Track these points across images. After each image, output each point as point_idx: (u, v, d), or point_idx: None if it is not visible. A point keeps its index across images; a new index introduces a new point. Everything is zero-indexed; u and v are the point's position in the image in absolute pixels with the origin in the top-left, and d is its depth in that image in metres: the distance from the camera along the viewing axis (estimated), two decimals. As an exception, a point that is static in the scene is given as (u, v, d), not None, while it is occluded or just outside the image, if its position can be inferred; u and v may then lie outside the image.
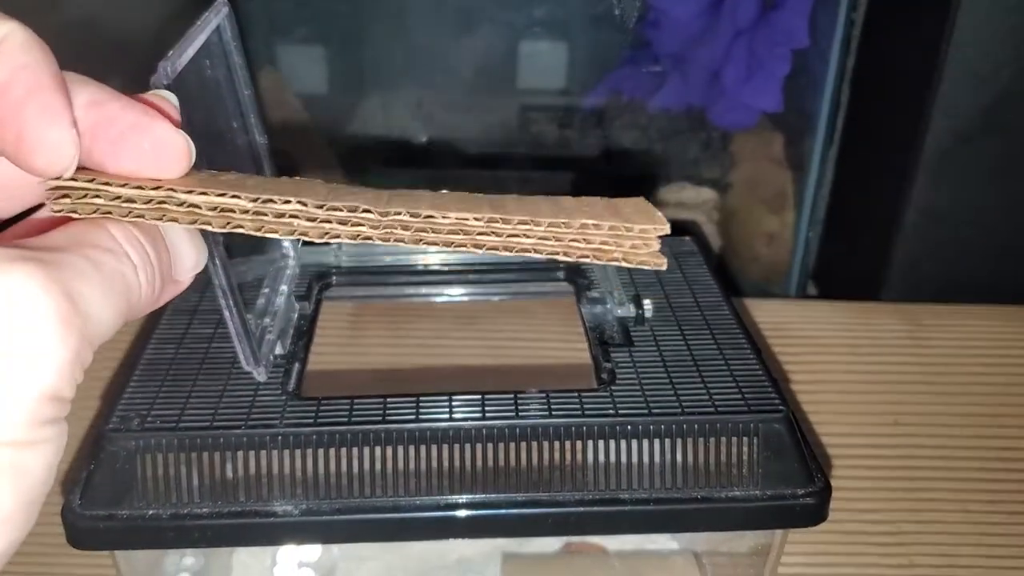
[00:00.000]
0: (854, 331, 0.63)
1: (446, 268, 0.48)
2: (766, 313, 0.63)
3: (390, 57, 0.84)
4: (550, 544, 0.48)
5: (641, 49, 0.80)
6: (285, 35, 0.80)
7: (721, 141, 0.83)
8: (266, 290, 0.40)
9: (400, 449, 0.34)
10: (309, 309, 0.42)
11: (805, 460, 0.35)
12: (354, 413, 0.35)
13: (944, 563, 0.49)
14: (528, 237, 0.20)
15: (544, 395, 0.36)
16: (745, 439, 0.34)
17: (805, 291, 0.83)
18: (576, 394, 0.36)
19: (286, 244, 0.44)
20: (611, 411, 0.35)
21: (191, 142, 0.21)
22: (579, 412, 0.35)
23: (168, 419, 0.34)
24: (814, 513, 0.35)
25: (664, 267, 0.20)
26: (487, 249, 0.20)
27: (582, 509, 0.34)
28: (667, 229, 0.20)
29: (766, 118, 0.82)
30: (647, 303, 0.41)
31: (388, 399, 0.36)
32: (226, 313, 0.33)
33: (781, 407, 0.35)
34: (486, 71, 0.85)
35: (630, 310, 0.41)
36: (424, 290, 0.48)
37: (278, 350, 0.38)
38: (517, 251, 0.20)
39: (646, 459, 0.34)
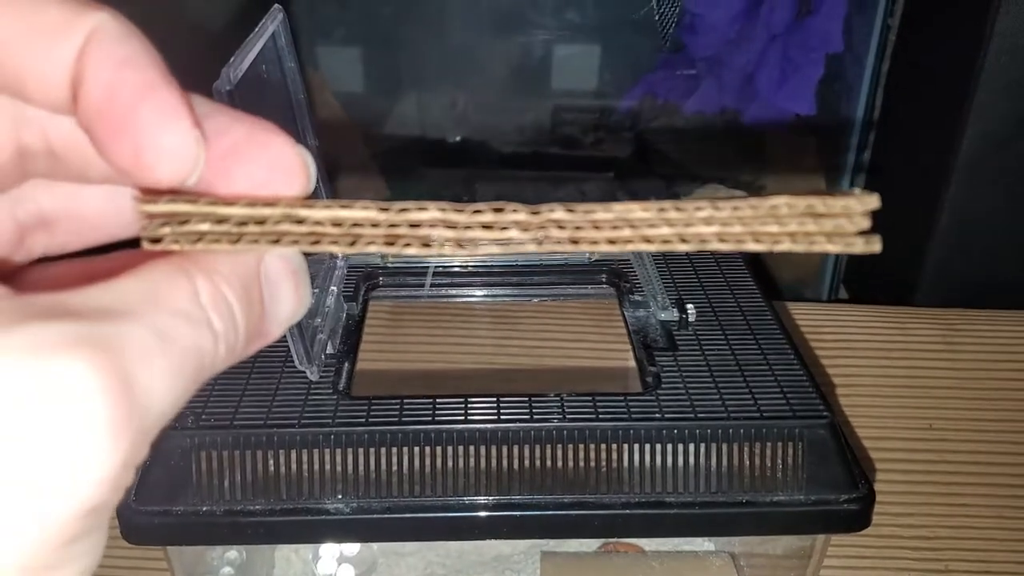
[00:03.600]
0: (888, 336, 0.63)
1: (488, 269, 0.48)
2: (799, 316, 0.64)
3: (426, 59, 0.84)
4: (589, 543, 0.49)
5: (676, 53, 0.81)
6: (326, 37, 0.81)
7: (755, 144, 0.83)
8: (316, 290, 0.41)
9: (449, 449, 0.35)
10: (357, 309, 0.43)
11: (849, 466, 0.35)
12: (404, 413, 0.35)
13: (979, 569, 0.49)
14: (708, 225, 0.17)
15: (591, 398, 0.36)
16: (790, 444, 0.35)
17: (836, 295, 0.83)
18: (622, 398, 0.36)
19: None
20: (657, 415, 0.35)
21: (312, 159, 0.18)
22: (625, 415, 0.35)
23: (222, 417, 0.35)
24: (857, 519, 0.35)
25: (877, 249, 0.16)
26: (658, 243, 0.17)
27: (627, 512, 0.34)
28: (876, 202, 0.17)
29: (799, 121, 0.82)
30: (690, 307, 0.41)
31: (437, 399, 0.36)
32: (281, 314, 0.34)
33: (826, 413, 0.36)
34: (520, 72, 0.86)
35: (673, 314, 0.41)
36: (467, 291, 0.48)
37: (329, 349, 0.39)
38: (696, 243, 0.17)
39: (691, 463, 0.35)
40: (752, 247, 0.17)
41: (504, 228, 0.17)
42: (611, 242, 0.17)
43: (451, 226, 0.17)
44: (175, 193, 0.17)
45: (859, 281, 0.82)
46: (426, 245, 0.17)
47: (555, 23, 0.83)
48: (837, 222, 0.17)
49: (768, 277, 0.81)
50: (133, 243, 0.18)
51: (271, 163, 0.17)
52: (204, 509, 0.34)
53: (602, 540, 0.49)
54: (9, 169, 0.18)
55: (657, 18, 0.72)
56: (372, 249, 0.17)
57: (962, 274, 0.72)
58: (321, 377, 0.37)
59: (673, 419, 0.35)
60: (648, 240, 0.17)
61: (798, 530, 0.37)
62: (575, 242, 0.17)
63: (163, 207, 0.17)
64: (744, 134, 0.82)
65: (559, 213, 0.17)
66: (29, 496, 0.13)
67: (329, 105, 0.79)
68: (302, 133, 0.40)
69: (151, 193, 0.17)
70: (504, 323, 0.57)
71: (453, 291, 0.48)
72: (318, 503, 0.34)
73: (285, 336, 0.35)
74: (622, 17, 0.82)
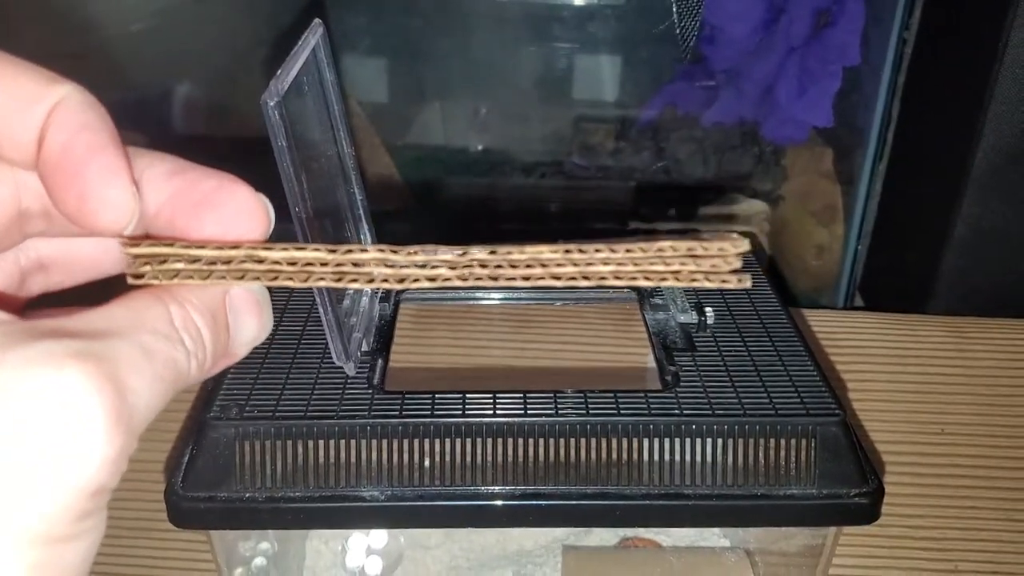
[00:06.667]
0: (901, 342, 0.64)
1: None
2: (815, 322, 0.65)
3: (449, 69, 0.86)
4: (608, 539, 0.50)
5: (695, 64, 0.82)
6: (350, 47, 0.83)
7: (773, 155, 0.85)
8: (351, 291, 0.43)
9: (478, 441, 0.37)
10: (389, 310, 0.45)
11: (860, 461, 0.37)
12: (436, 407, 0.37)
13: (988, 570, 0.50)
14: (606, 264, 0.20)
15: (612, 394, 0.38)
16: (803, 440, 0.36)
17: (852, 302, 0.84)
18: (643, 394, 0.38)
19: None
20: (676, 411, 0.37)
21: (270, 205, 0.21)
22: (646, 411, 0.37)
23: (265, 409, 0.37)
24: (867, 512, 0.37)
25: (748, 285, 0.20)
26: (565, 280, 0.20)
27: (647, 503, 0.36)
28: (746, 246, 0.20)
29: (817, 133, 0.84)
30: (709, 310, 0.43)
31: (467, 395, 0.38)
32: (321, 310, 0.36)
33: (838, 411, 0.37)
34: (543, 83, 0.87)
35: (692, 317, 0.43)
36: (492, 295, 0.50)
37: (363, 347, 0.41)
38: (596, 280, 0.20)
39: (709, 457, 0.36)
40: (643, 283, 0.20)
41: (435, 267, 0.20)
42: (525, 279, 0.20)
43: (389, 265, 0.20)
44: (155, 238, 0.20)
45: (874, 289, 0.83)
46: (370, 281, 0.20)
47: (577, 35, 0.85)
48: (714, 262, 0.20)
49: (785, 284, 0.83)
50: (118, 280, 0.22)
51: (237, 208, 0.21)
52: (247, 495, 0.36)
53: (620, 536, 0.51)
54: (13, 229, 0.21)
55: (678, 30, 0.74)
56: (323, 285, 0.20)
57: (976, 283, 0.73)
58: (357, 372, 0.39)
59: (691, 415, 0.37)
60: (556, 277, 0.20)
61: (810, 522, 0.38)
62: (495, 279, 0.20)
63: (145, 249, 0.20)
64: (762, 145, 0.83)
65: (482, 255, 0.20)
66: (47, 477, 0.16)
67: (353, 114, 0.81)
68: (339, 142, 0.42)
69: (135, 238, 0.20)
70: (527, 326, 0.59)
71: (478, 294, 0.50)
72: (354, 491, 0.36)
73: (324, 333, 0.37)
74: (643, 29, 0.84)
